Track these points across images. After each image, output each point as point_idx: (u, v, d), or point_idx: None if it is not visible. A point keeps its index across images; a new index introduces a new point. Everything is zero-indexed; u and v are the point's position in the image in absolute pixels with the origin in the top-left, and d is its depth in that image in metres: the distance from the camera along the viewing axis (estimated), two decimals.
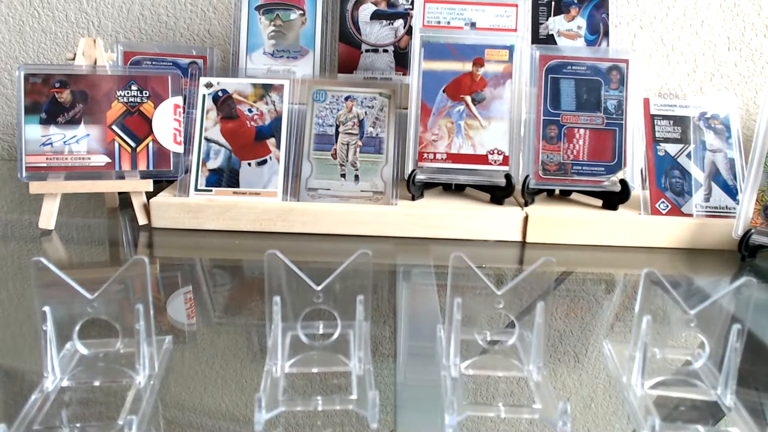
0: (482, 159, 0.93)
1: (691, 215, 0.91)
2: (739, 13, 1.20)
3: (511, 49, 0.94)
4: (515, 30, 0.99)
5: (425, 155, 0.94)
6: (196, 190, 0.93)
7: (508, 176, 0.93)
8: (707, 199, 0.91)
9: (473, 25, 0.99)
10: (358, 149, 0.94)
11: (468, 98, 0.94)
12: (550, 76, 0.94)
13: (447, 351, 0.55)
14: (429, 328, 0.64)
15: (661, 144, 0.93)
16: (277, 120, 0.95)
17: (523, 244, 0.90)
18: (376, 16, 1.09)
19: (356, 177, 0.93)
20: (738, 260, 0.86)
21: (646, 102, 0.95)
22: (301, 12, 1.08)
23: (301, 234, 0.91)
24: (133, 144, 0.92)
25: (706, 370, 0.54)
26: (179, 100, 0.93)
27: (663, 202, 0.91)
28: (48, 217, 0.91)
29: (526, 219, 0.90)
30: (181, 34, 1.26)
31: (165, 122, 0.92)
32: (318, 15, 1.08)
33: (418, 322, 0.67)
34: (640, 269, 0.53)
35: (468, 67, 0.94)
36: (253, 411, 0.48)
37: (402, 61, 1.09)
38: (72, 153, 0.90)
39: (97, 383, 0.52)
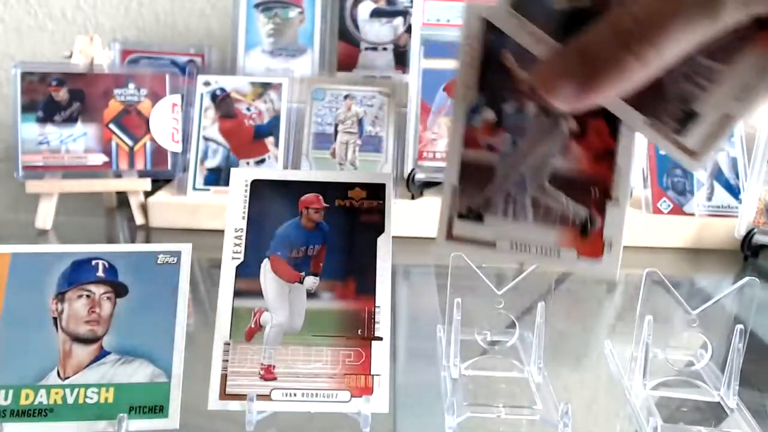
0: None
1: (693, 214, 0.90)
2: None
3: None
4: None
5: (425, 154, 0.93)
6: (194, 189, 0.92)
7: None
8: (709, 198, 0.91)
9: None
10: (357, 148, 0.93)
11: None
12: None
13: (447, 351, 0.54)
14: (429, 328, 0.63)
15: None
16: (276, 119, 0.94)
17: None
18: (375, 13, 1.08)
19: None
20: (741, 260, 0.85)
21: None
22: (300, 10, 1.07)
23: None
24: (130, 143, 0.91)
25: (709, 370, 0.54)
26: (177, 98, 0.93)
27: (665, 201, 0.91)
28: (45, 216, 0.90)
29: None
30: (179, 32, 1.25)
31: (163, 121, 0.92)
32: (317, 13, 1.07)
33: (418, 322, 0.67)
34: (642, 269, 0.52)
35: None
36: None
37: (401, 59, 1.08)
38: (69, 152, 0.89)
39: None
